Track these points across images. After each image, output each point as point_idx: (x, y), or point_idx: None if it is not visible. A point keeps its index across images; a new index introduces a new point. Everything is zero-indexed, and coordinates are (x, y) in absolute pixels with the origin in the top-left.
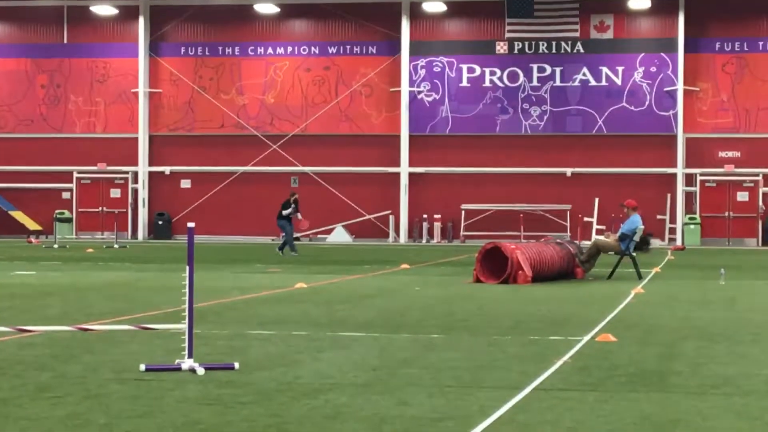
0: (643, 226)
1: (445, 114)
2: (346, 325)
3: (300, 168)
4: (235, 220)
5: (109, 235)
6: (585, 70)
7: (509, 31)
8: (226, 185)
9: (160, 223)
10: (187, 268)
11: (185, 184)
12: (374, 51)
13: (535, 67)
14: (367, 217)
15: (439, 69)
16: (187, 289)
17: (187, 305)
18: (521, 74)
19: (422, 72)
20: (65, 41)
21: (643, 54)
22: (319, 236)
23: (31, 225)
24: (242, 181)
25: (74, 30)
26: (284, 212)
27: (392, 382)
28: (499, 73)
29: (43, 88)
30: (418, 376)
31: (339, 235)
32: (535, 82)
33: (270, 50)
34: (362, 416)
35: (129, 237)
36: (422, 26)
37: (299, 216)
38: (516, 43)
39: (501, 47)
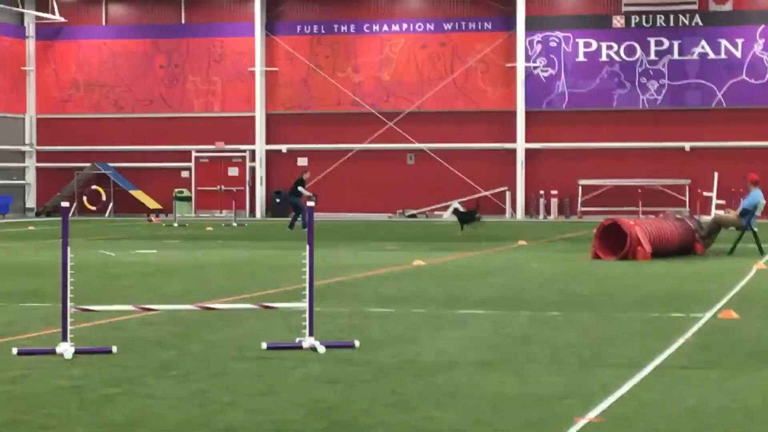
0: (764, 201)
1: (561, 89)
2: (465, 302)
3: (416, 145)
4: (351, 197)
5: (227, 214)
6: (703, 42)
7: (626, 4)
8: (342, 163)
9: (278, 201)
10: (307, 246)
11: (302, 161)
12: (489, 27)
13: (652, 40)
14: (483, 193)
15: (555, 44)
16: (307, 268)
17: (307, 283)
18: (638, 48)
19: (538, 47)
20: (183, 21)
21: (763, 26)
22: (435, 213)
23: (151, 204)
24: (358, 159)
25: (192, 10)
26: (301, 190)
27: (512, 359)
28: (615, 47)
29: (161, 68)
30: (538, 354)
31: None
32: (652, 56)
33: (385, 27)
34: (482, 394)
35: (247, 215)
36: (538, 1)
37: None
38: (633, 16)
39: (618, 21)
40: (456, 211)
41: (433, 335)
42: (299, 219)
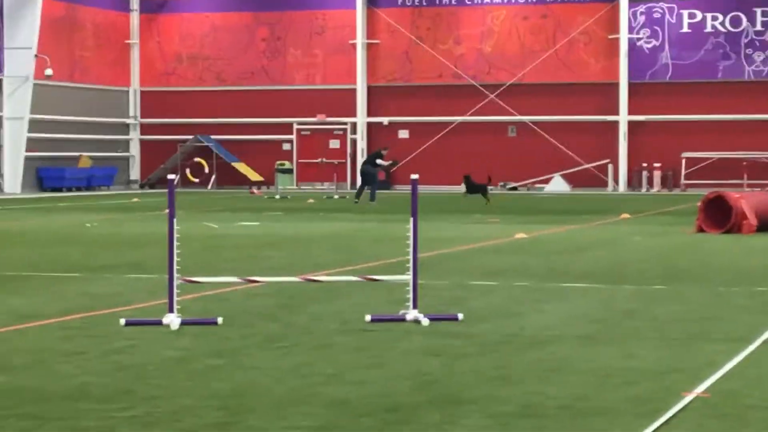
0: None
1: (665, 61)
2: (568, 276)
3: (517, 117)
4: (453, 169)
5: (329, 186)
6: None
7: None
8: (443, 135)
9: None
10: (411, 219)
11: (403, 134)
12: None
13: (758, 11)
14: (586, 166)
15: (659, 15)
16: (411, 240)
17: (411, 256)
18: (744, 18)
19: (641, 18)
20: None
21: None
22: (536, 186)
23: (253, 176)
24: (460, 131)
25: None
26: (383, 164)
27: (616, 334)
28: (721, 17)
29: (263, 41)
30: (643, 329)
31: (557, 185)
32: (758, 27)
33: None
34: (587, 369)
35: (348, 187)
36: None
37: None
38: None
39: None
40: (467, 180)
41: (536, 309)
42: (367, 189)
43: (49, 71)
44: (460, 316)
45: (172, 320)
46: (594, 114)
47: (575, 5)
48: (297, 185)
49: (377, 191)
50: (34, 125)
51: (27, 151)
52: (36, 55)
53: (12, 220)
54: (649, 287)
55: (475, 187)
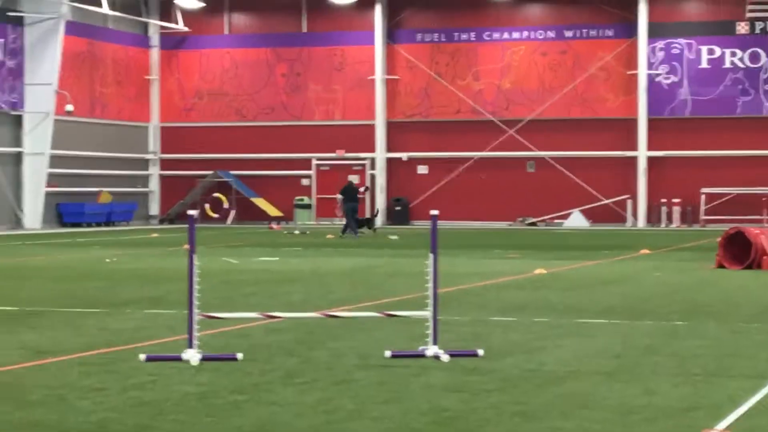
0: None
1: (684, 96)
2: (588, 311)
3: (536, 153)
4: (471, 205)
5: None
6: None
7: (750, 10)
8: (462, 171)
9: (398, 208)
10: (431, 255)
11: (422, 170)
12: (611, 34)
13: None
14: (605, 201)
15: (678, 51)
16: (431, 276)
17: (431, 291)
18: (763, 54)
19: (660, 54)
20: (304, 30)
21: None
22: (555, 221)
23: (272, 211)
24: (478, 167)
25: (313, 19)
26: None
27: (637, 370)
28: (739, 53)
29: (283, 76)
30: (664, 364)
31: (576, 220)
32: None
33: (506, 35)
34: (608, 405)
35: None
36: (660, 8)
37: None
38: (757, 23)
39: (742, 27)
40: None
41: (556, 344)
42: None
43: (69, 107)
44: (480, 351)
45: (192, 356)
46: (613, 149)
47: (594, 41)
48: (316, 220)
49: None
50: (54, 161)
51: (47, 186)
52: (57, 91)
53: (32, 255)
54: (669, 323)
55: (361, 220)
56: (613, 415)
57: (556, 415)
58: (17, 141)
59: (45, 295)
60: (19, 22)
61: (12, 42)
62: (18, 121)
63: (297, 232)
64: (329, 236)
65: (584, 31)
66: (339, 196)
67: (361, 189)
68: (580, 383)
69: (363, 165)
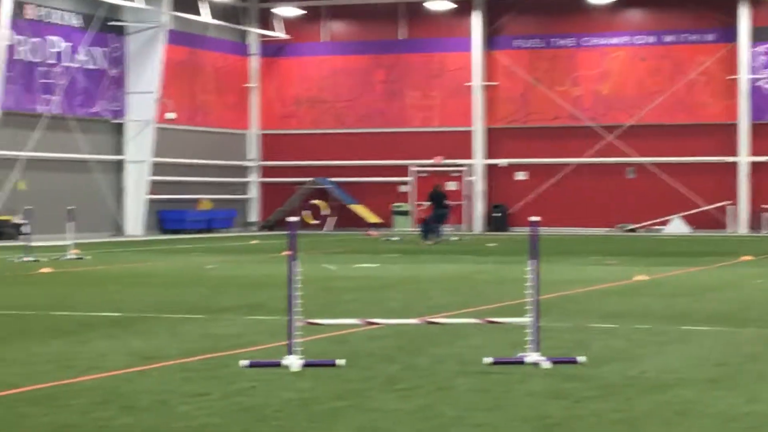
0: None
1: None
2: (689, 318)
3: (635, 159)
4: (570, 211)
5: (446, 228)
6: None
7: None
8: (561, 177)
9: (497, 215)
10: (531, 261)
11: (520, 176)
12: (711, 38)
13: None
14: (705, 207)
15: None
16: (532, 283)
17: (532, 298)
18: None
19: (762, 59)
20: (401, 37)
21: None
22: (655, 227)
23: (370, 218)
24: (577, 173)
25: (410, 26)
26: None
27: (740, 377)
28: None
29: (381, 83)
30: (767, 372)
31: (676, 226)
32: None
33: (604, 40)
34: (711, 413)
35: (465, 229)
36: (762, 11)
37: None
38: None
39: None
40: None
41: (658, 351)
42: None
43: (171, 115)
44: (581, 358)
45: (293, 362)
46: (713, 155)
47: (694, 46)
48: (414, 227)
49: (432, 230)
50: (155, 168)
51: (149, 193)
52: (158, 99)
53: (134, 262)
54: None
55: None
56: (715, 422)
57: (658, 422)
58: (119, 149)
59: (147, 301)
60: (121, 31)
61: (114, 51)
62: (120, 129)
63: (395, 238)
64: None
65: (684, 35)
66: (426, 203)
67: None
68: (682, 391)
69: (461, 171)
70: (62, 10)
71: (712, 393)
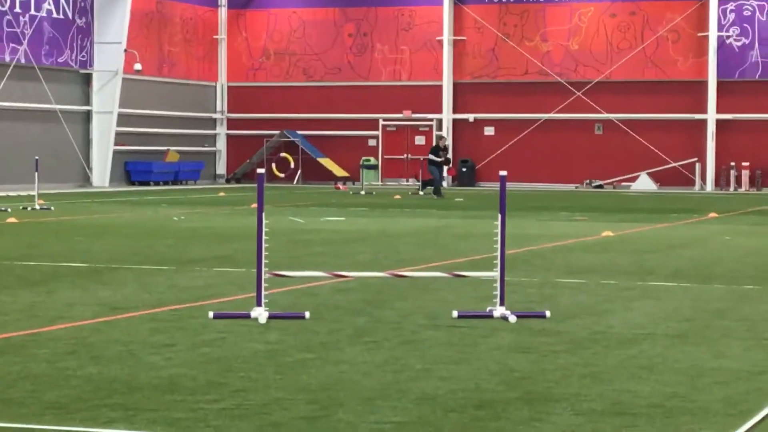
0: None
1: (755, 59)
2: (656, 274)
3: (604, 115)
4: (538, 167)
5: (413, 182)
6: None
7: None
8: (529, 132)
9: (464, 170)
10: (499, 216)
11: (489, 131)
12: None
13: None
14: (673, 164)
15: (749, 13)
16: (499, 237)
17: (499, 253)
18: None
19: (731, 16)
20: None
21: None
22: (623, 183)
23: (338, 171)
24: (545, 129)
25: None
26: (436, 160)
27: (707, 333)
28: None
29: (350, 36)
30: (734, 328)
31: (644, 183)
32: None
33: None
34: (678, 368)
35: None
36: None
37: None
38: None
39: None
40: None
41: (624, 307)
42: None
43: (138, 66)
44: (548, 313)
45: (261, 314)
46: (681, 112)
47: (664, 2)
48: (382, 181)
49: (439, 185)
50: (122, 119)
51: (115, 145)
52: (125, 50)
53: (101, 213)
54: (739, 287)
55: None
56: (683, 377)
57: (626, 377)
58: (86, 99)
59: (114, 252)
60: None
61: (81, 1)
62: (87, 79)
63: (363, 192)
64: (396, 197)
65: None
66: (431, 156)
67: (436, 159)
68: (649, 345)
69: (429, 126)
70: None
71: (678, 348)
